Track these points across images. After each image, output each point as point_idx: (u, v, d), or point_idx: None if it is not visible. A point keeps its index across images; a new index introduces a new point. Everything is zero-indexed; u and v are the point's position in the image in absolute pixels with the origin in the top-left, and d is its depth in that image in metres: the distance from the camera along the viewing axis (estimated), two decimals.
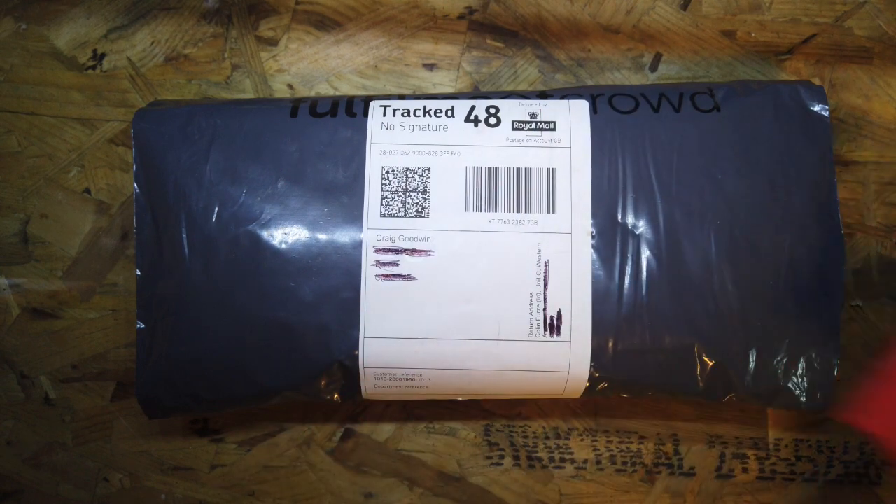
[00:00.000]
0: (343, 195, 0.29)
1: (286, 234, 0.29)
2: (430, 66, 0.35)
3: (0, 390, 0.35)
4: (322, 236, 0.29)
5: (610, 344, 0.29)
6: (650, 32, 0.35)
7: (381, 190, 0.29)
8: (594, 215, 0.29)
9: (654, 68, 0.35)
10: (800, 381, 0.30)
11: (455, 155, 0.30)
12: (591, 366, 0.29)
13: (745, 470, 0.34)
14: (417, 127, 0.30)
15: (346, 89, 0.35)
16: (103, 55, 0.35)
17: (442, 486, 0.34)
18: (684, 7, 0.35)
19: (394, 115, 0.30)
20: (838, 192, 0.30)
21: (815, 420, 0.34)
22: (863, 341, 0.34)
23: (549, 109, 0.30)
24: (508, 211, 0.29)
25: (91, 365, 0.35)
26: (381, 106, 0.31)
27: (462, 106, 0.31)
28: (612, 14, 0.35)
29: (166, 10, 0.35)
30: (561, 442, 0.34)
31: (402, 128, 0.30)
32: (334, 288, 0.29)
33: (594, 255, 0.29)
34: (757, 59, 0.35)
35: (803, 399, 0.30)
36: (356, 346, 0.29)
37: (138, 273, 0.30)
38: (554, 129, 0.30)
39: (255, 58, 0.35)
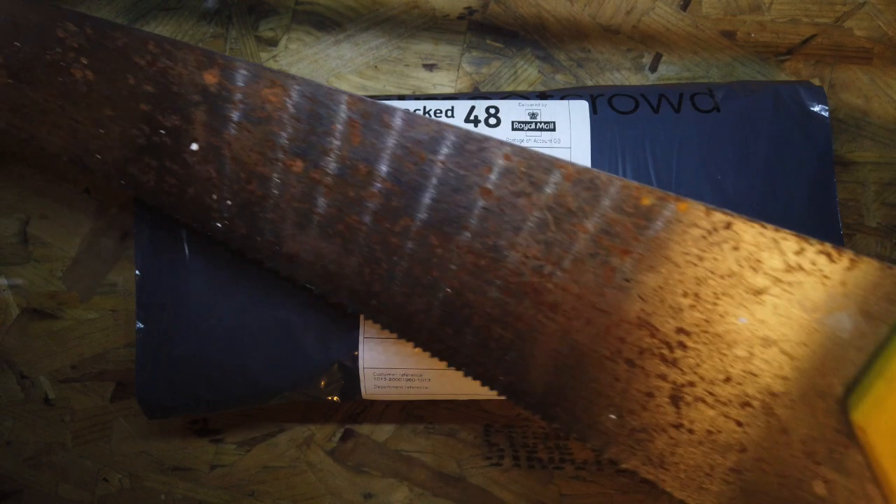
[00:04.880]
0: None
1: None
2: (429, 67, 0.35)
3: (0, 390, 0.35)
4: None
5: None
6: (650, 33, 0.35)
7: None
8: None
9: (653, 69, 0.35)
10: None
11: None
12: None
13: None
14: None
15: (345, 89, 0.35)
16: None
17: (441, 487, 0.34)
18: (684, 7, 0.35)
19: None
20: (838, 193, 0.30)
21: None
22: None
23: (548, 110, 0.30)
24: None
25: (91, 365, 0.35)
26: None
27: (462, 106, 0.31)
28: (612, 14, 0.35)
29: (166, 10, 0.35)
30: (561, 442, 0.34)
31: None
32: None
33: None
34: (757, 60, 0.35)
35: None
36: (356, 347, 0.29)
37: (138, 273, 0.30)
38: (554, 129, 0.30)
39: (255, 58, 0.35)
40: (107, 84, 0.25)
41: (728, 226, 0.22)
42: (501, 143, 0.23)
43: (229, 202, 0.25)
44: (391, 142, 0.24)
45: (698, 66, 0.35)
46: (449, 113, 0.30)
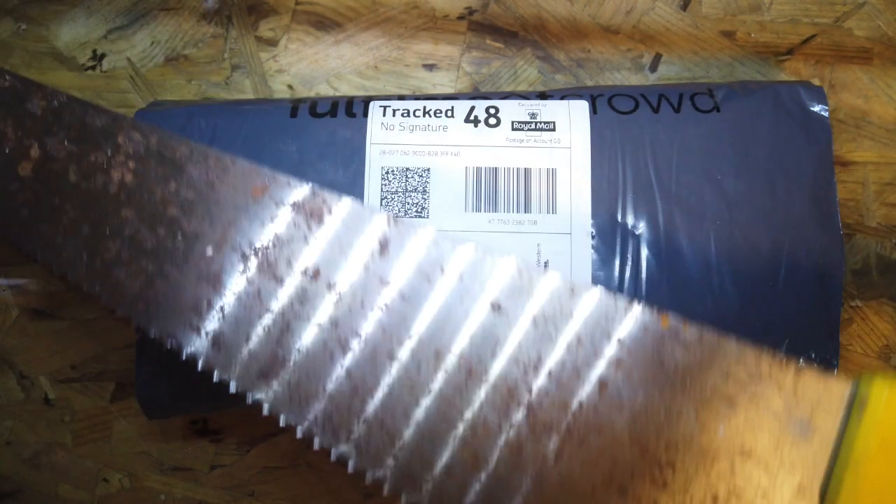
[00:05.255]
0: (343, 195, 0.29)
1: None
2: (429, 67, 0.35)
3: (0, 390, 0.35)
4: None
5: None
6: (650, 33, 0.35)
7: (381, 190, 0.29)
8: (594, 216, 0.29)
9: (653, 69, 0.35)
10: None
11: (455, 155, 0.30)
12: None
13: None
14: (417, 127, 0.30)
15: (345, 90, 0.35)
16: (103, 55, 0.35)
17: None
18: (684, 7, 0.35)
19: (393, 115, 0.30)
20: (838, 193, 0.30)
21: None
22: (863, 341, 0.34)
23: (548, 110, 0.30)
24: (508, 211, 0.29)
25: (91, 365, 0.35)
26: (380, 106, 0.31)
27: (462, 106, 0.31)
28: (612, 14, 0.35)
29: (166, 11, 0.35)
30: None
31: (402, 128, 0.30)
32: None
33: (594, 256, 0.29)
34: (757, 60, 0.35)
35: None
36: None
37: None
38: (554, 129, 0.30)
39: (255, 58, 0.35)
40: (144, 187, 0.24)
41: (700, 339, 0.22)
42: (515, 259, 0.23)
43: (222, 310, 0.23)
44: (414, 258, 0.23)
45: (698, 66, 0.35)
46: (449, 113, 0.30)
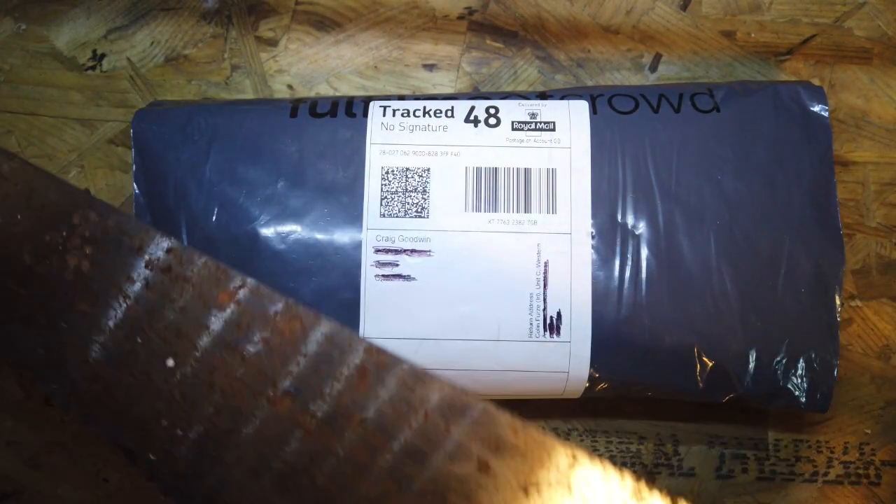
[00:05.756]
0: (343, 195, 0.29)
1: (286, 235, 0.29)
2: (429, 67, 0.35)
3: (0, 390, 0.35)
4: (322, 237, 0.29)
5: (610, 344, 0.29)
6: (650, 33, 0.35)
7: (381, 190, 0.29)
8: (594, 216, 0.29)
9: (653, 69, 0.35)
10: (799, 381, 0.30)
11: (455, 155, 0.30)
12: (590, 366, 0.29)
13: (744, 471, 0.34)
14: (417, 127, 0.30)
15: (345, 90, 0.35)
16: (103, 55, 0.35)
17: None
18: (684, 7, 0.35)
19: (393, 115, 0.30)
20: (838, 193, 0.30)
21: (815, 420, 0.34)
22: (863, 341, 0.34)
23: (548, 110, 0.30)
24: (508, 211, 0.29)
25: None
26: (380, 106, 0.31)
27: (462, 106, 0.31)
28: (612, 14, 0.35)
29: (166, 11, 0.35)
30: None
31: (402, 128, 0.30)
32: (334, 288, 0.29)
33: (594, 256, 0.29)
34: (756, 60, 0.35)
35: (803, 399, 0.30)
36: None
37: None
38: (554, 129, 0.30)
39: (255, 58, 0.35)
40: (101, 278, 0.22)
41: None
42: (511, 416, 0.21)
43: (180, 432, 0.21)
44: (396, 395, 0.21)
45: (698, 66, 0.35)
46: (449, 113, 0.30)
